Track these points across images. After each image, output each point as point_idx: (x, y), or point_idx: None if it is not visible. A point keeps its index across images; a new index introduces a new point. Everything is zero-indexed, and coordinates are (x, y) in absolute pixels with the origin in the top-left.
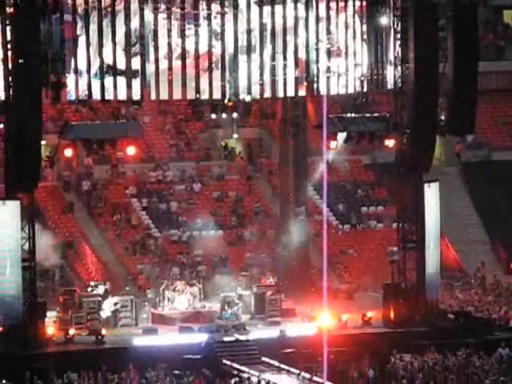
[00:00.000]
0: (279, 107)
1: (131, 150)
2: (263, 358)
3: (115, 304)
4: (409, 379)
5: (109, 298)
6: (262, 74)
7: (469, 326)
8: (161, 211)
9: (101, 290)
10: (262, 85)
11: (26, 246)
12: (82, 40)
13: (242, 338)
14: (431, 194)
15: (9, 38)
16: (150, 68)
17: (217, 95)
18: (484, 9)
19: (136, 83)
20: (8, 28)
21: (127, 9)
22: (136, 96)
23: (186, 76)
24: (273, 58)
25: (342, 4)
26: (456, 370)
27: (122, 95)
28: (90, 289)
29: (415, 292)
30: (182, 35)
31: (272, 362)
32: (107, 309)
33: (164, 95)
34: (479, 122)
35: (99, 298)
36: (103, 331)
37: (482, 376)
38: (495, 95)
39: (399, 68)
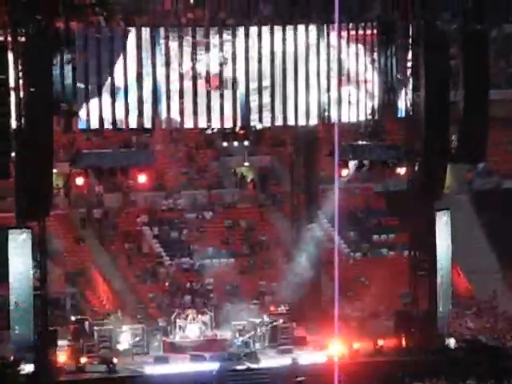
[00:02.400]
0: (290, 135)
1: (142, 178)
2: None
3: (135, 342)
4: None
5: (122, 327)
6: (273, 102)
7: (480, 355)
8: (172, 239)
9: (112, 318)
10: (273, 113)
11: (38, 275)
12: (93, 69)
13: (254, 366)
14: (443, 221)
15: (20, 66)
16: (162, 97)
17: (228, 124)
18: (495, 37)
19: (147, 112)
20: (20, 57)
21: (139, 38)
22: (147, 124)
23: (198, 105)
24: (284, 86)
25: (353, 32)
26: None
27: (133, 124)
28: (101, 317)
29: (427, 320)
30: (194, 63)
31: None
32: (125, 342)
33: (175, 124)
34: (490, 149)
35: (111, 327)
36: (114, 360)
37: None
38: (506, 123)
39: (410, 96)
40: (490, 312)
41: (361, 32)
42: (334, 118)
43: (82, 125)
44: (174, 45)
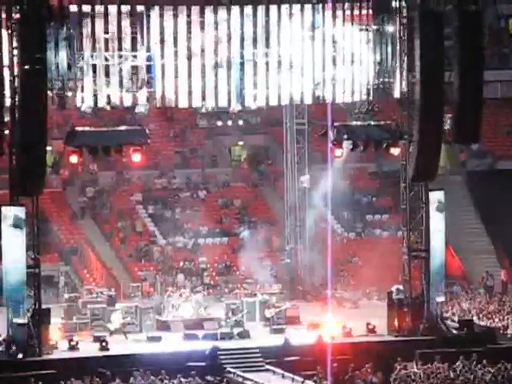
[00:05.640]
0: (285, 114)
1: (137, 157)
2: (267, 366)
3: (124, 317)
4: None
5: (115, 305)
6: (267, 81)
7: (472, 335)
8: (166, 218)
9: (105, 296)
10: (267, 92)
11: (31, 252)
12: (87, 46)
13: (247, 345)
14: (436, 202)
15: (15, 44)
16: (156, 75)
17: (222, 103)
18: (489, 17)
19: (142, 90)
20: (14, 34)
21: (133, 15)
22: (142, 103)
23: (192, 84)
24: (279, 65)
25: (348, 12)
26: (460, 379)
27: (128, 102)
28: (94, 295)
29: (420, 300)
30: (188, 42)
31: (276, 369)
32: (116, 321)
33: (170, 103)
34: (484, 130)
35: (104, 305)
36: (107, 338)
37: None
38: (500, 104)
39: (405, 76)
40: (483, 292)
41: (356, 12)
42: (328, 97)
43: (76, 103)
44: (168, 23)
